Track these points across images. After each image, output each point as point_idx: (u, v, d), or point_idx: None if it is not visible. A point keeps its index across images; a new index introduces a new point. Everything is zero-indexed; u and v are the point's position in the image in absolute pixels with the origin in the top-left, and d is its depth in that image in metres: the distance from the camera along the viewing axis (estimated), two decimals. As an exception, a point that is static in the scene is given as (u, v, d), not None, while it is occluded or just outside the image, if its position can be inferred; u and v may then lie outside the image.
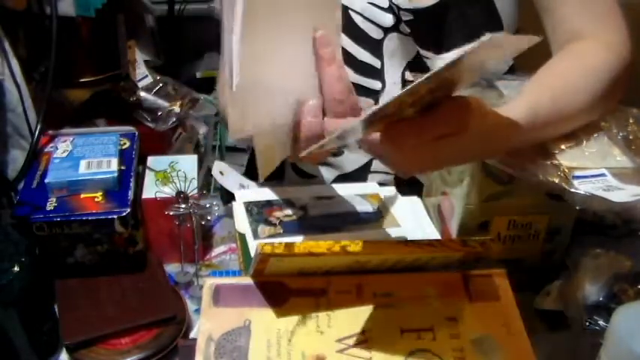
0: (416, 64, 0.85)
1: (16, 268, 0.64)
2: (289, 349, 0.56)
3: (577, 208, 0.64)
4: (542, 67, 0.70)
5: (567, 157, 0.67)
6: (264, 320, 0.58)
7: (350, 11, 0.84)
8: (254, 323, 0.58)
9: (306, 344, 0.57)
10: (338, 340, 0.58)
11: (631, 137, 0.70)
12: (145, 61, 1.18)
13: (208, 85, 0.93)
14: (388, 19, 0.83)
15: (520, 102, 0.64)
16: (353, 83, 0.87)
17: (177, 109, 1.15)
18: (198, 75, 1.42)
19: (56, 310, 0.69)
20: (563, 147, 0.69)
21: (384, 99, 0.54)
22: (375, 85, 0.87)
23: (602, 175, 0.66)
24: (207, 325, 0.58)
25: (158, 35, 1.27)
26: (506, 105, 0.63)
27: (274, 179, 0.95)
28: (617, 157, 0.68)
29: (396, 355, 0.57)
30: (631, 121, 0.72)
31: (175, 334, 0.67)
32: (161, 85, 1.17)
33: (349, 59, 0.86)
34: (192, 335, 0.70)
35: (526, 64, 0.72)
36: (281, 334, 0.57)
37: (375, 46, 0.85)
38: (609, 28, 0.74)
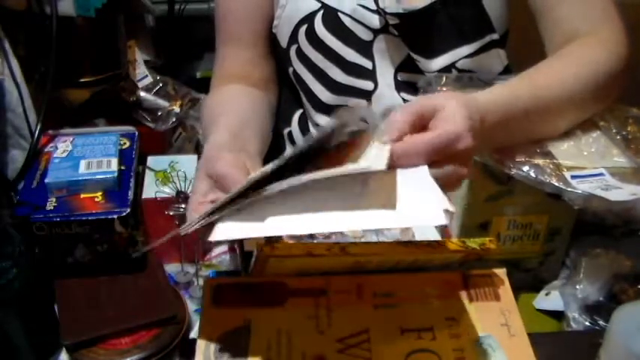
0: (408, 66, 0.85)
1: (16, 269, 0.64)
2: (289, 349, 0.56)
3: (576, 207, 0.64)
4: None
5: (566, 157, 0.67)
6: (264, 320, 0.58)
7: (339, 13, 0.84)
8: (254, 323, 0.58)
9: (306, 344, 0.57)
10: (338, 340, 0.57)
11: (630, 137, 0.70)
12: (145, 61, 1.18)
13: (208, 85, 0.92)
14: (377, 21, 0.83)
15: (497, 87, 0.65)
16: (344, 85, 0.87)
17: (177, 109, 1.15)
18: (198, 75, 1.42)
19: (56, 310, 0.69)
20: (561, 146, 0.69)
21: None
22: (367, 85, 0.87)
23: (601, 174, 0.66)
24: (207, 325, 0.58)
25: (158, 35, 1.27)
26: (485, 90, 0.64)
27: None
28: (615, 157, 0.68)
29: (396, 355, 0.57)
30: (630, 121, 0.72)
31: (175, 334, 0.67)
32: (161, 85, 1.17)
33: (339, 61, 0.86)
34: (192, 335, 0.70)
35: (522, 64, 0.71)
36: (281, 334, 0.57)
37: (365, 48, 0.85)
38: (605, 27, 0.74)
